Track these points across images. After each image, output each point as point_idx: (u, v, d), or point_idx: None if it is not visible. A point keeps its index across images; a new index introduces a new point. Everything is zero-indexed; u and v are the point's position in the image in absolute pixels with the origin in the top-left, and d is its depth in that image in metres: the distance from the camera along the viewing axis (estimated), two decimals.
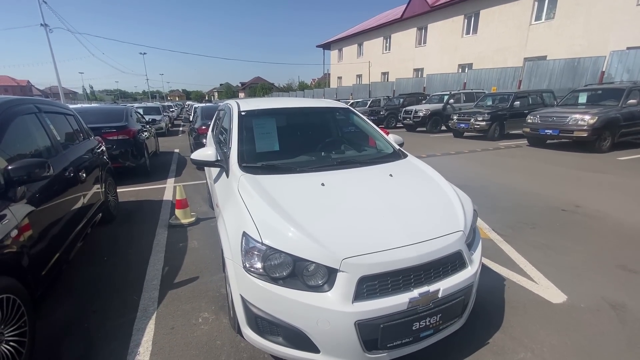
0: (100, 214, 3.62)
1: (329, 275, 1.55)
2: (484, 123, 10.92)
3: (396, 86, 22.45)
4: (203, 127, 6.75)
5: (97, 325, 2.22)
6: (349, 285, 1.51)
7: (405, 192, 2.11)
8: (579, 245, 3.24)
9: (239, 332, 1.93)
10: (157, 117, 14.02)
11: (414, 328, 1.59)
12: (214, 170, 2.80)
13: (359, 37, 29.92)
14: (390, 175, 2.24)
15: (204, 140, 6.66)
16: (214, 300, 2.48)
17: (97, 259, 3.19)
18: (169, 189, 5.78)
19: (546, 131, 9.00)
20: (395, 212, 1.84)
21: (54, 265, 2.29)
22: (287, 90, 56.19)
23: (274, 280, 1.58)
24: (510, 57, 17.00)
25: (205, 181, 5.14)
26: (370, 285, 1.54)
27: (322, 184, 2.03)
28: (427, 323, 1.62)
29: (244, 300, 1.68)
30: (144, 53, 65.31)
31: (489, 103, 12.22)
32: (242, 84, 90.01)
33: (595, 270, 2.80)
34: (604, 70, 11.63)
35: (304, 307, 1.52)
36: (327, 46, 35.57)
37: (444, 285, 1.66)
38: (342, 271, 1.52)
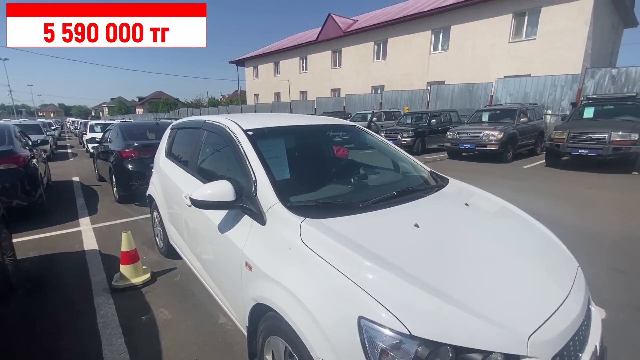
0: None
1: None
2: (409, 139, 11.87)
3: (317, 105, 23.02)
4: (127, 150, 5.38)
5: None
6: None
7: (501, 227, 1.79)
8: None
9: None
10: (41, 138, 11.02)
11: None
12: (211, 212, 1.99)
13: (275, 56, 30.02)
14: (467, 204, 1.90)
15: (130, 166, 5.34)
16: None
17: None
18: (87, 232, 4.32)
19: (465, 145, 10.23)
20: (519, 256, 1.49)
21: None
22: (196, 106, 52.14)
23: None
24: (416, 81, 19.23)
25: (148, 215, 3.97)
26: None
27: (416, 225, 1.54)
28: None
29: None
30: (5, 59, 52.82)
31: (409, 121, 13.44)
32: (140, 98, 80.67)
33: (598, 275, 2.96)
34: (492, 94, 14.01)
35: None
36: (241, 63, 34.63)
37: (596, 340, 1.36)
38: (532, 357, 1.07)
